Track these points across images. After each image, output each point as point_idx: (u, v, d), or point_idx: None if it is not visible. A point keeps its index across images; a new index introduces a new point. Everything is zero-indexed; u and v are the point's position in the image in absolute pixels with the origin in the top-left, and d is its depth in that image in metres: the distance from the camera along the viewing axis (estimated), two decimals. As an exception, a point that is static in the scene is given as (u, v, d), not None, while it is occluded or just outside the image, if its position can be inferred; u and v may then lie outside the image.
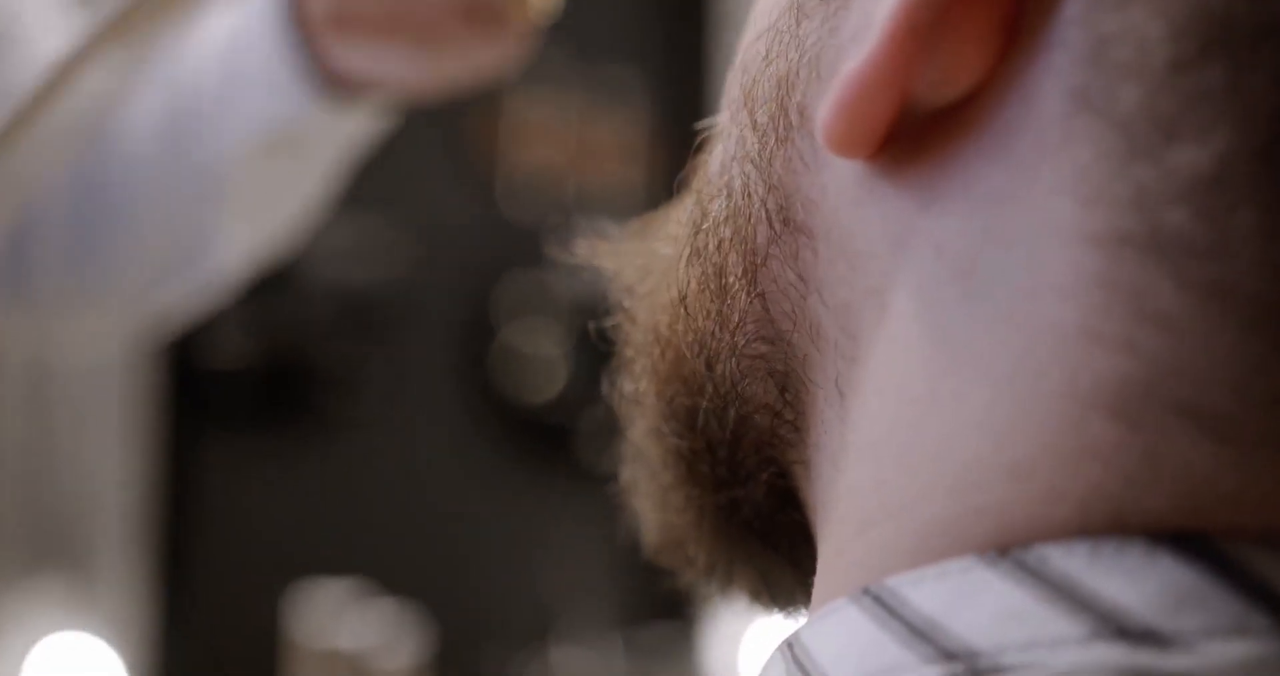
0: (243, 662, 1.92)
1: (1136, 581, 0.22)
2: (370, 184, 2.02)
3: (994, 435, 0.24)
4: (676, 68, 2.41)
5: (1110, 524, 0.23)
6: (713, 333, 0.29)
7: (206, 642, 1.92)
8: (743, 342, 0.28)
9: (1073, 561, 0.22)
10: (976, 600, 0.23)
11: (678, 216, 0.30)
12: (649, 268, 0.32)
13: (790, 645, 0.26)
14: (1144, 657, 0.21)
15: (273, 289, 1.79)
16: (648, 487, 0.33)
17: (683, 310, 0.29)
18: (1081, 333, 0.23)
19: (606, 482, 0.36)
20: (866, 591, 0.24)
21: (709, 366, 0.29)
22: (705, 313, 0.29)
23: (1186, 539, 0.22)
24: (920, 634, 0.23)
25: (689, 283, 0.29)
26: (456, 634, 2.04)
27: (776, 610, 0.34)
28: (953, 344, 0.24)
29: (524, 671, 2.09)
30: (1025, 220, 0.24)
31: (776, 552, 0.32)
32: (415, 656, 1.85)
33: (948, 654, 0.22)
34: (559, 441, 2.19)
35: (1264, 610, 0.21)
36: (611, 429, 0.35)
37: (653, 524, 0.34)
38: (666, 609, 2.21)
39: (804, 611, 0.34)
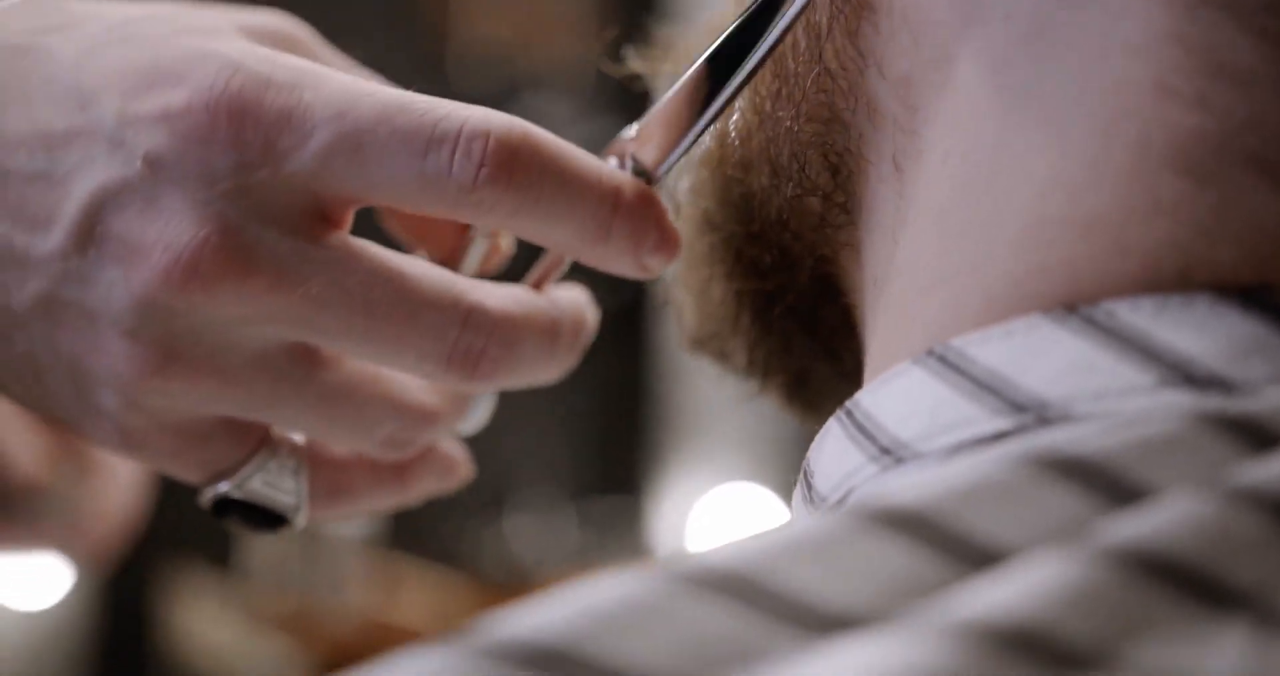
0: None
1: (1203, 333, 0.22)
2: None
3: (1063, 192, 0.24)
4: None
5: (1177, 278, 0.23)
6: (771, 113, 0.29)
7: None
8: (800, 123, 0.28)
9: (1139, 315, 0.23)
10: (1044, 354, 0.23)
11: None
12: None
13: (849, 412, 0.26)
14: (1212, 402, 0.22)
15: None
16: (688, 280, 0.34)
17: (745, 91, 0.29)
18: (1154, 89, 0.23)
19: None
20: (930, 352, 0.25)
21: (766, 147, 0.29)
22: (765, 93, 0.29)
23: (1251, 292, 0.23)
24: (987, 388, 0.23)
25: None
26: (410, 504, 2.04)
27: (807, 412, 0.35)
28: (1022, 106, 0.25)
29: (478, 541, 2.11)
30: None
31: (815, 341, 0.32)
32: (368, 527, 1.86)
33: (1016, 406, 0.23)
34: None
35: None
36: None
37: (691, 317, 0.34)
38: (618, 482, 2.23)
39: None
